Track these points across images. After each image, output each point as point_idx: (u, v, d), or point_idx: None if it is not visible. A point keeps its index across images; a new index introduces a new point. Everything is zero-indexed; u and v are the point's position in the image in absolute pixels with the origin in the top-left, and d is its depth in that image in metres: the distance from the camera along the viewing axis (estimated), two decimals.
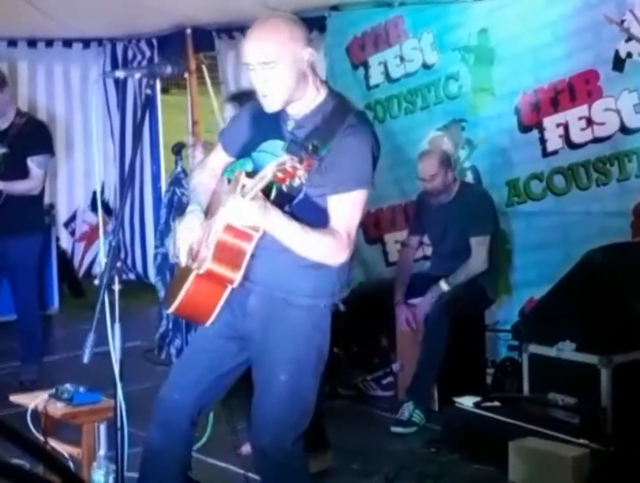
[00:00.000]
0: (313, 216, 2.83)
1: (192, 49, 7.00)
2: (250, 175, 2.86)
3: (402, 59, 5.88)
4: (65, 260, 7.53)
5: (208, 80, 7.48)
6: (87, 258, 8.00)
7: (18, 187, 5.36)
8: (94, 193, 7.90)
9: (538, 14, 5.22)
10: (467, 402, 4.53)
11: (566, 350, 4.42)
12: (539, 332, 4.60)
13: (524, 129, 5.33)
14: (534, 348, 4.57)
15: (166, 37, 7.15)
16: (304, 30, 2.88)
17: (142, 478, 3.10)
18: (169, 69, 2.95)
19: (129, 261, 7.96)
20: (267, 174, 2.70)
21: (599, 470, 3.87)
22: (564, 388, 4.34)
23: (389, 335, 5.36)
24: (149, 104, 3.57)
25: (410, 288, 5.23)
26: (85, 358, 2.72)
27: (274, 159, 2.89)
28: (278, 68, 2.80)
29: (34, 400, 3.75)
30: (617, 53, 4.89)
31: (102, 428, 3.22)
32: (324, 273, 2.89)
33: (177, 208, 5.51)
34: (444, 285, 5.02)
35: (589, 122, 5.04)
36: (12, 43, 7.37)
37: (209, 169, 3.16)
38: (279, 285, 2.91)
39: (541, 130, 5.25)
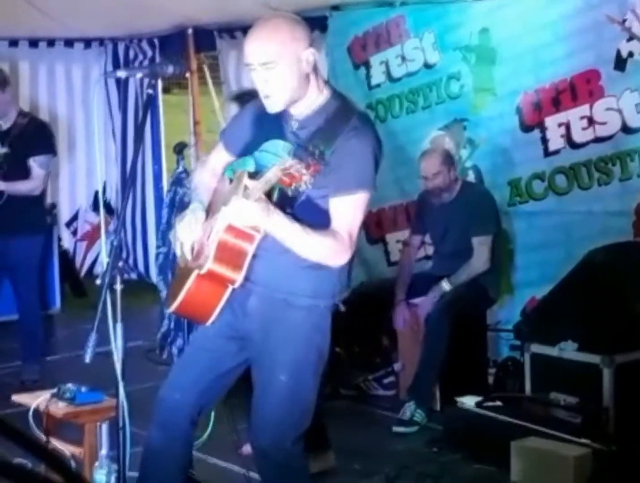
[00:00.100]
0: (314, 217, 2.83)
1: (193, 49, 7.00)
2: (253, 175, 2.85)
3: (403, 58, 5.88)
4: (67, 259, 7.53)
5: (209, 80, 7.48)
6: (88, 258, 8.01)
7: (20, 187, 5.36)
8: (96, 193, 7.90)
9: (539, 13, 5.22)
10: (468, 401, 4.53)
11: (568, 350, 4.42)
12: (540, 332, 4.60)
13: (526, 128, 5.33)
14: (536, 347, 4.57)
15: (168, 37, 7.16)
16: (306, 30, 2.88)
17: (142, 478, 3.09)
18: (170, 69, 2.95)
19: (131, 261, 7.96)
20: (272, 177, 2.69)
21: (600, 469, 3.87)
22: (566, 388, 4.34)
23: (391, 334, 5.36)
24: (151, 103, 3.55)
25: (412, 288, 5.23)
26: (87, 358, 2.72)
27: (276, 158, 2.89)
28: (279, 68, 2.80)
29: (35, 400, 3.75)
30: (618, 52, 4.88)
31: (104, 427, 3.22)
32: (324, 274, 2.89)
33: (179, 208, 5.50)
34: (445, 285, 5.02)
35: (591, 121, 5.04)
36: (14, 43, 7.37)
37: (210, 167, 3.16)
38: (279, 286, 2.91)
39: (543, 129, 5.25)
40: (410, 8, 5.80)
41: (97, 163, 7.36)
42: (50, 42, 7.51)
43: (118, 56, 7.72)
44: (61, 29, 7.11)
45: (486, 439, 4.31)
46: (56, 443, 3.73)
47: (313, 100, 2.90)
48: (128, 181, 5.65)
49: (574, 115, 5.10)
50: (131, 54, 7.61)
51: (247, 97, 4.04)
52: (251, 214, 2.73)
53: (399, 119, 5.95)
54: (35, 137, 5.42)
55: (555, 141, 5.20)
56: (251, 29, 2.87)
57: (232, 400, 3.28)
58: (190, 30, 6.90)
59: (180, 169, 5.68)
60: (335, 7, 6.10)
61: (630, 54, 4.85)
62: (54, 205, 7.30)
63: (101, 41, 7.74)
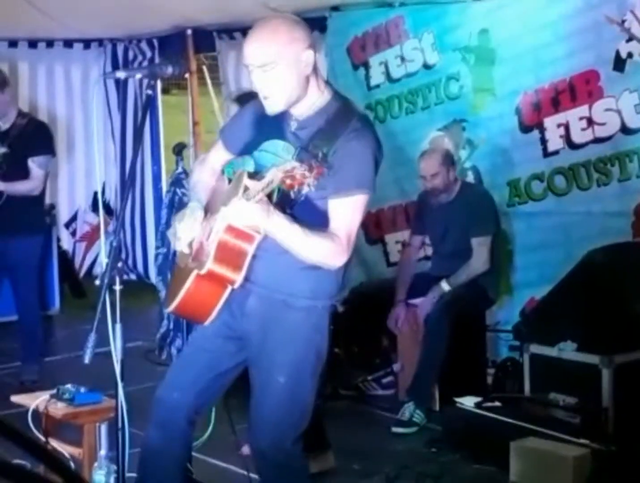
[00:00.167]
0: (313, 218, 2.82)
1: (192, 50, 7.01)
2: (252, 175, 2.85)
3: (402, 59, 5.88)
4: (66, 260, 7.52)
5: (209, 81, 7.49)
6: (88, 258, 8.00)
7: (19, 187, 5.36)
8: (95, 193, 7.91)
9: (539, 14, 5.22)
10: (468, 402, 4.53)
11: (567, 350, 4.42)
12: (540, 332, 4.60)
13: (525, 129, 5.33)
14: (535, 348, 4.57)
15: (167, 37, 7.16)
16: (305, 31, 2.86)
17: (140, 478, 3.09)
18: (169, 70, 2.94)
19: (130, 261, 7.96)
20: (274, 179, 2.67)
21: (600, 470, 3.87)
22: (565, 389, 4.34)
23: (390, 335, 5.36)
24: (150, 104, 3.55)
25: (411, 289, 5.23)
26: (86, 359, 2.72)
27: (275, 158, 2.89)
28: (278, 70, 2.79)
29: (35, 401, 3.75)
30: (617, 53, 4.88)
31: (103, 428, 3.22)
32: (323, 275, 2.89)
33: (178, 208, 5.48)
34: (445, 286, 5.02)
35: (590, 122, 5.04)
36: (13, 43, 7.38)
37: (208, 166, 3.15)
38: (278, 287, 2.90)
39: (542, 130, 5.25)
40: (409, 9, 5.80)
41: (96, 163, 7.37)
42: (50, 43, 7.52)
43: (117, 57, 7.73)
44: (60, 30, 7.12)
45: (485, 439, 4.31)
46: (55, 444, 3.73)
47: (313, 101, 2.90)
48: (127, 182, 5.64)
49: (573, 115, 5.10)
50: (130, 54, 7.61)
51: (248, 98, 4.04)
52: (252, 215, 2.73)
53: (398, 120, 5.95)
54: (35, 137, 5.42)
55: (555, 142, 5.20)
56: (250, 30, 2.87)
57: (231, 401, 3.28)
58: (189, 31, 6.91)
59: (180, 169, 5.67)
60: (335, 8, 6.10)
61: (630, 55, 4.85)
62: (53, 206, 7.30)
63: (100, 42, 7.75)
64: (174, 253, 3.76)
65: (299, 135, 2.89)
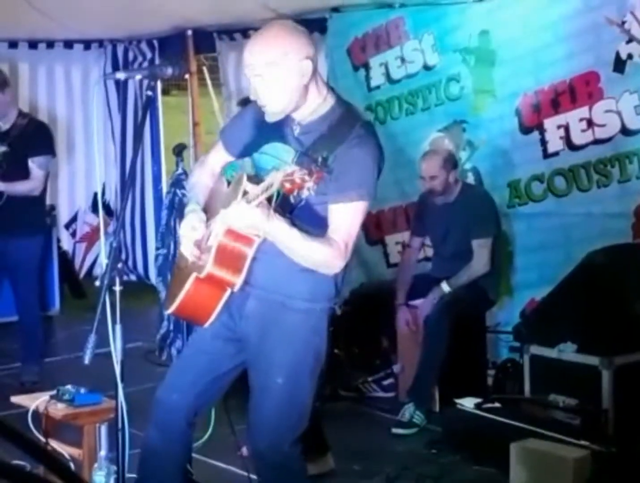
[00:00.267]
0: (313, 223, 2.82)
1: (192, 50, 7.01)
2: (251, 178, 2.85)
3: (402, 60, 5.88)
4: (66, 261, 7.53)
5: (209, 82, 7.50)
6: (88, 259, 8.01)
7: (19, 187, 5.36)
8: (95, 194, 7.91)
9: (539, 15, 5.22)
10: (468, 403, 4.53)
11: (567, 352, 4.42)
12: (540, 334, 4.60)
13: (525, 130, 5.33)
14: (535, 349, 4.57)
15: (167, 38, 7.17)
16: (303, 41, 2.84)
17: (140, 479, 3.10)
18: (169, 71, 2.94)
19: (130, 262, 7.96)
20: (274, 183, 2.66)
21: (600, 471, 3.87)
22: (565, 390, 4.34)
23: (390, 336, 5.36)
24: (150, 105, 3.55)
25: (412, 290, 5.23)
26: (86, 360, 2.72)
27: (276, 161, 2.89)
28: (270, 82, 2.80)
29: (34, 401, 3.75)
30: (617, 54, 4.88)
31: (103, 429, 3.22)
32: (321, 277, 2.89)
33: (178, 209, 5.50)
34: (445, 287, 5.02)
35: (590, 123, 5.04)
36: (13, 44, 7.38)
37: (208, 167, 3.14)
38: (277, 289, 2.90)
39: (542, 131, 5.25)
40: (409, 10, 5.80)
41: (96, 164, 7.38)
42: (50, 44, 7.52)
43: (117, 58, 7.73)
44: (61, 31, 7.12)
45: (485, 441, 4.31)
46: (55, 445, 3.73)
47: (315, 107, 2.89)
48: (127, 182, 5.64)
49: (573, 117, 5.10)
50: (130, 55, 7.61)
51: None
52: (251, 219, 2.72)
53: (399, 121, 5.95)
54: (35, 137, 5.42)
55: (555, 143, 5.20)
56: (249, 39, 2.88)
57: (230, 402, 3.28)
58: (189, 32, 6.92)
59: (180, 170, 5.67)
60: (335, 9, 6.11)
61: (630, 56, 4.85)
62: (53, 207, 7.30)
63: (100, 43, 7.75)
64: (174, 254, 3.77)
65: (302, 140, 2.89)
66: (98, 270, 7.75)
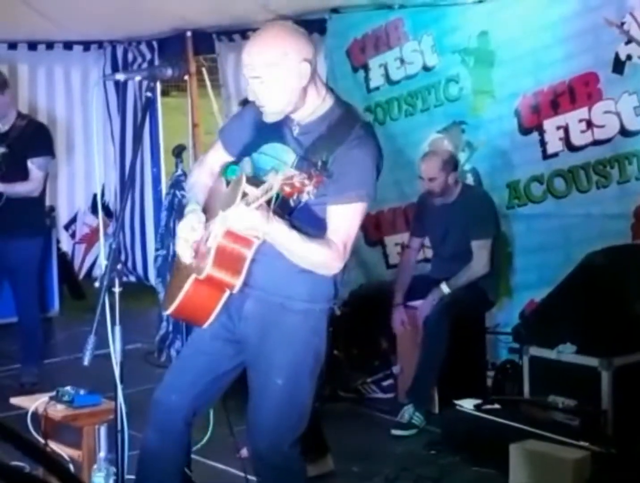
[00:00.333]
0: (311, 224, 2.82)
1: (192, 52, 7.01)
2: (251, 179, 2.84)
3: (402, 61, 5.88)
4: (65, 262, 7.52)
5: (208, 83, 7.50)
6: (87, 260, 8.01)
7: (18, 188, 5.36)
8: (95, 195, 7.91)
9: (538, 16, 5.23)
10: (467, 404, 4.53)
11: (566, 353, 4.42)
12: (539, 335, 4.60)
13: (524, 131, 5.34)
14: (535, 350, 4.57)
15: (166, 39, 7.17)
16: (302, 43, 2.83)
17: (139, 481, 3.09)
18: (169, 72, 2.94)
19: (130, 263, 7.96)
20: (274, 186, 2.65)
21: (599, 472, 3.87)
22: (565, 391, 4.34)
23: (389, 337, 5.36)
24: (149, 106, 3.56)
25: (411, 291, 5.23)
26: (86, 361, 2.72)
27: (275, 161, 2.89)
28: (269, 83, 2.79)
29: (34, 403, 3.75)
30: (617, 55, 4.89)
31: (103, 430, 3.22)
32: (320, 278, 2.89)
33: (178, 210, 5.50)
34: (445, 288, 5.02)
35: (589, 124, 5.04)
36: (13, 46, 7.38)
37: (207, 167, 3.14)
38: (276, 290, 2.90)
39: (541, 132, 5.25)
40: (409, 11, 5.80)
41: (95, 165, 7.39)
42: (49, 45, 7.52)
43: (117, 59, 7.73)
44: (60, 32, 7.12)
45: (485, 442, 4.31)
46: (54, 446, 3.73)
47: (314, 108, 2.89)
48: (127, 184, 5.64)
49: (573, 118, 5.10)
50: (130, 56, 7.61)
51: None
52: (251, 221, 2.71)
53: (398, 122, 5.95)
54: (34, 138, 5.42)
55: (554, 144, 5.20)
56: (249, 40, 2.88)
57: (229, 403, 3.28)
58: (189, 33, 6.92)
59: (179, 171, 5.67)
60: (334, 10, 6.11)
61: (629, 57, 4.86)
62: (52, 208, 7.30)
63: (100, 44, 7.75)
64: (174, 255, 3.76)
65: (301, 141, 2.88)
66: (97, 271, 7.74)
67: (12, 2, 5.96)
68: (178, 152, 5.67)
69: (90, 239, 7.96)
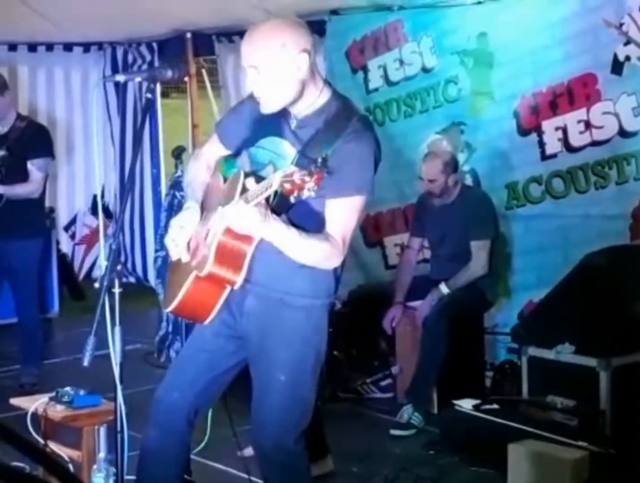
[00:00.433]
0: (309, 218, 2.82)
1: (192, 53, 7.02)
2: (249, 176, 2.85)
3: (401, 62, 5.89)
4: (65, 263, 7.53)
5: (208, 84, 7.50)
6: (87, 261, 8.01)
7: (18, 190, 5.37)
8: (94, 196, 7.92)
9: (537, 17, 5.23)
10: (466, 404, 4.54)
11: (565, 353, 4.43)
12: (538, 335, 4.61)
13: (523, 132, 5.34)
14: (533, 351, 4.58)
15: (166, 41, 7.18)
16: (301, 35, 2.83)
17: (139, 479, 3.09)
18: (169, 73, 2.94)
19: (129, 264, 7.97)
20: (273, 183, 2.64)
21: (598, 472, 3.87)
22: (563, 391, 4.35)
23: (388, 337, 5.36)
24: (149, 107, 3.56)
25: (410, 291, 5.24)
26: (86, 361, 2.72)
27: (272, 155, 2.89)
28: (267, 74, 2.78)
29: (34, 403, 3.75)
30: (615, 56, 4.89)
31: (102, 431, 3.22)
32: (321, 273, 2.89)
33: (177, 211, 5.49)
34: (444, 288, 5.03)
35: (588, 125, 5.05)
36: (13, 47, 7.39)
37: (203, 161, 3.12)
38: (277, 286, 2.90)
39: (540, 133, 5.26)
40: (408, 12, 5.81)
41: (95, 167, 7.39)
42: (49, 47, 7.53)
43: (117, 60, 7.74)
44: (60, 33, 7.13)
45: (483, 442, 4.31)
46: (54, 447, 3.73)
47: (312, 101, 2.88)
48: (126, 185, 5.65)
49: (571, 119, 5.11)
50: (130, 58, 7.62)
51: None
52: (250, 220, 2.71)
53: (397, 123, 5.96)
54: (34, 140, 5.43)
55: (553, 145, 5.21)
56: (248, 31, 2.87)
57: (231, 402, 3.28)
58: (188, 35, 6.93)
59: (179, 173, 5.69)
60: (334, 12, 6.12)
61: (627, 58, 4.86)
62: (52, 209, 7.31)
63: (100, 45, 7.76)
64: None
65: (298, 134, 2.88)
66: (97, 272, 7.75)
67: (12, 4, 5.97)
68: (178, 153, 5.68)
69: (90, 240, 7.97)
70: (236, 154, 3.09)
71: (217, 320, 2.97)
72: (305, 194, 2.65)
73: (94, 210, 7.92)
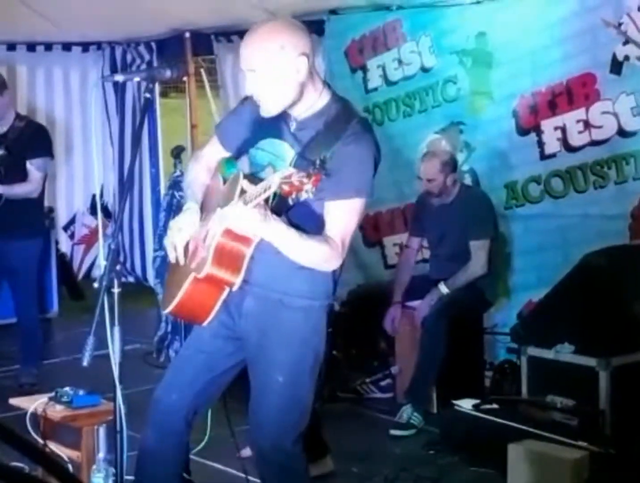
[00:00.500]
0: (308, 220, 2.82)
1: (190, 53, 7.02)
2: (248, 177, 2.84)
3: (400, 62, 5.89)
4: (64, 263, 7.53)
5: (207, 84, 7.50)
6: (86, 261, 8.01)
7: (17, 190, 5.36)
8: (93, 196, 7.92)
9: (536, 17, 5.23)
10: (465, 404, 4.54)
11: (564, 353, 4.43)
12: (537, 335, 4.61)
13: (522, 132, 5.35)
14: (533, 350, 4.57)
15: (165, 40, 7.18)
16: (299, 37, 2.81)
17: (137, 480, 3.09)
18: (168, 73, 2.94)
19: (128, 264, 7.97)
20: (272, 185, 2.63)
21: (598, 472, 3.87)
22: (563, 391, 4.35)
23: (388, 337, 5.36)
24: (148, 107, 3.56)
25: (409, 291, 5.24)
26: (85, 361, 2.72)
27: (272, 157, 2.89)
28: (265, 77, 2.78)
29: (33, 403, 3.75)
30: (614, 56, 4.90)
31: (102, 431, 3.22)
32: (319, 274, 2.89)
33: (176, 211, 5.51)
34: (443, 288, 5.03)
35: (587, 125, 5.05)
36: (12, 47, 7.39)
37: (203, 163, 3.12)
38: (275, 287, 2.91)
39: (539, 133, 5.26)
40: (407, 12, 5.81)
41: (94, 166, 7.38)
42: (48, 46, 7.53)
43: (116, 60, 7.74)
44: (59, 33, 7.13)
45: (483, 442, 4.31)
46: (53, 447, 3.73)
47: (311, 103, 2.88)
48: (125, 185, 5.66)
49: (570, 118, 5.11)
50: (129, 57, 7.62)
51: None
52: (249, 221, 2.71)
53: (396, 123, 5.96)
54: (33, 139, 5.42)
55: (552, 144, 5.21)
56: (246, 33, 2.87)
57: (230, 403, 3.28)
58: (187, 34, 6.93)
59: (178, 172, 5.69)
60: (333, 11, 6.12)
61: (626, 58, 4.87)
62: (51, 209, 7.31)
63: (99, 45, 7.76)
64: None
65: (298, 137, 2.88)
66: (96, 272, 7.75)
67: (11, 3, 5.96)
68: (177, 153, 5.68)
69: (89, 240, 7.97)
70: (237, 156, 3.09)
71: (216, 321, 2.97)
72: (304, 196, 2.65)
73: (93, 210, 7.92)
